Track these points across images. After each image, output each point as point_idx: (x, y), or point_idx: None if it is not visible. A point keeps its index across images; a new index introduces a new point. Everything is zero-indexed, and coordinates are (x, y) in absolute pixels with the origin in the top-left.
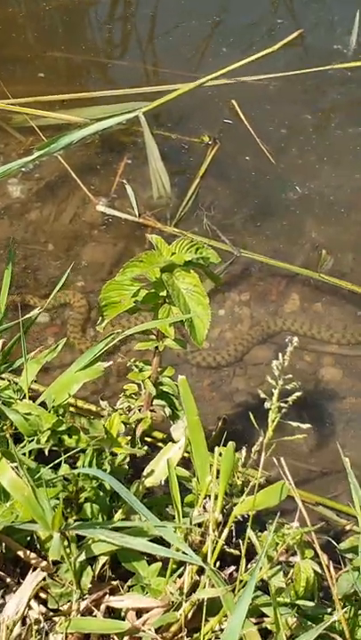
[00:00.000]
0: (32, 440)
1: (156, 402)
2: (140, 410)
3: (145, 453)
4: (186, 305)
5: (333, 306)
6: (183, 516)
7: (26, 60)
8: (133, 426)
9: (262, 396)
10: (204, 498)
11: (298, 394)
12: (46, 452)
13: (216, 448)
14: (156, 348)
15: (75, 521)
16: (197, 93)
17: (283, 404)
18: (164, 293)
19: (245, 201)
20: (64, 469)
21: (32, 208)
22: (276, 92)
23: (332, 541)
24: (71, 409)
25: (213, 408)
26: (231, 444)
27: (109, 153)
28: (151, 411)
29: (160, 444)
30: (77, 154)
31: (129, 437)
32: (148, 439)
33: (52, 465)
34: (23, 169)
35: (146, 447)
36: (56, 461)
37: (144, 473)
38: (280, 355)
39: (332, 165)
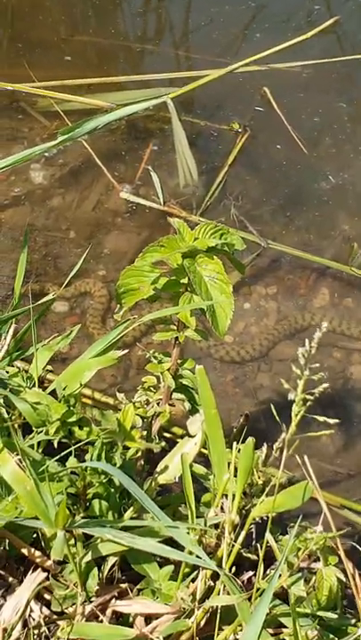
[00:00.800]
0: (41, 431)
1: (175, 395)
2: (158, 403)
3: (161, 449)
4: (208, 293)
5: None
6: (198, 517)
7: (52, 44)
8: (151, 420)
9: (286, 386)
10: (222, 497)
11: (325, 385)
12: (55, 445)
13: (235, 444)
14: (177, 338)
15: (82, 518)
16: (228, 80)
17: (308, 396)
18: (185, 281)
19: (275, 191)
20: (71, 462)
21: (54, 194)
22: (309, 79)
23: (359, 547)
24: (86, 400)
25: (236, 404)
26: (251, 439)
27: (135, 139)
28: (170, 405)
29: (179, 440)
30: (102, 139)
31: (145, 432)
32: (167, 435)
33: (58, 457)
34: (46, 154)
35: (163, 442)
36: (63, 453)
37: (157, 469)
38: (307, 341)
39: None
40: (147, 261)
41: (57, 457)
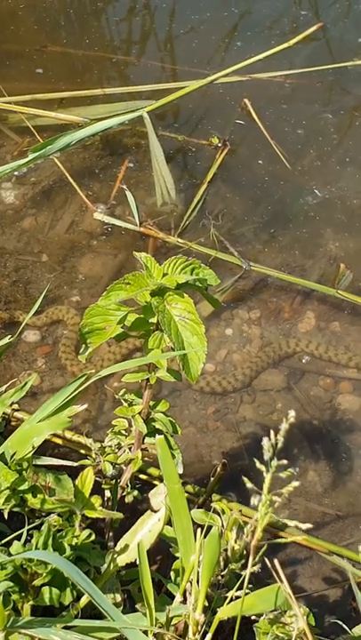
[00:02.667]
0: None
1: (148, 440)
2: (130, 448)
3: (133, 498)
4: (178, 335)
5: (353, 326)
6: (160, 608)
7: (24, 55)
8: (123, 467)
9: (249, 485)
10: (188, 581)
11: (295, 484)
12: (5, 515)
13: (198, 531)
14: (148, 380)
15: (31, 607)
16: (207, 92)
17: (276, 498)
18: (154, 320)
19: (257, 208)
20: (15, 548)
21: (26, 215)
22: (293, 89)
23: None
24: (56, 440)
25: (217, 439)
26: (215, 530)
27: (110, 155)
28: (143, 449)
29: (156, 482)
30: (76, 156)
31: (114, 481)
32: (143, 476)
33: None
34: (16, 172)
35: (136, 492)
36: (8, 538)
37: (118, 546)
38: (272, 433)
39: (356, 167)
40: (111, 300)
41: (3, 541)
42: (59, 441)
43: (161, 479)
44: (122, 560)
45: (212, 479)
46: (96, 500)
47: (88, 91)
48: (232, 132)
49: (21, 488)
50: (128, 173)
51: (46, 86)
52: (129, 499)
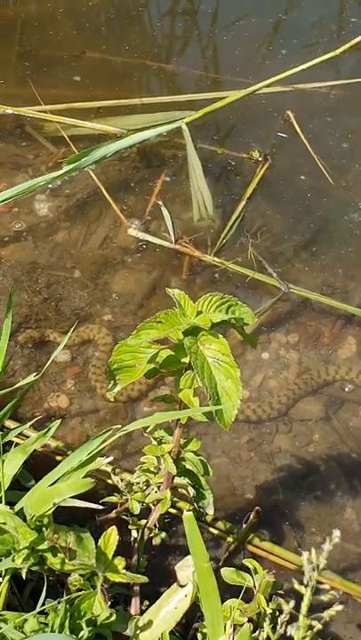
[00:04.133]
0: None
1: (177, 480)
2: (159, 487)
3: (162, 541)
4: (212, 378)
5: None
6: None
7: (62, 62)
8: (152, 505)
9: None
10: None
11: (338, 608)
12: (24, 575)
13: (228, 623)
14: (178, 419)
15: None
16: (249, 102)
17: (315, 623)
18: (186, 360)
19: (298, 226)
20: (31, 625)
21: (59, 228)
22: (338, 101)
23: None
24: None
25: (251, 471)
26: (246, 628)
27: (146, 168)
28: (173, 488)
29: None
30: (111, 168)
31: (143, 521)
32: (172, 510)
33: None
34: (50, 185)
35: (164, 534)
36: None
37: (140, 622)
38: (313, 552)
39: None
40: (142, 339)
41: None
42: None
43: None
44: (145, 637)
45: (244, 525)
46: (120, 563)
47: (126, 100)
48: (273, 145)
49: (41, 547)
50: (164, 187)
51: (84, 94)
52: (157, 541)
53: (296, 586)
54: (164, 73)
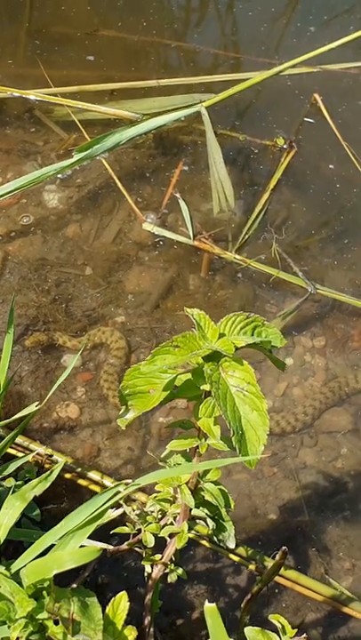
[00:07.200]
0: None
1: (195, 512)
2: (175, 518)
3: (180, 577)
4: (235, 410)
5: None
6: None
7: (75, 40)
8: (167, 538)
9: None
10: None
11: None
12: None
13: None
14: (197, 447)
15: None
16: (273, 84)
17: None
18: (206, 387)
19: (326, 219)
20: None
21: (70, 221)
22: None
23: None
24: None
25: (273, 488)
26: None
27: (163, 156)
28: (190, 520)
29: (204, 542)
30: (125, 156)
31: (158, 556)
32: (190, 534)
33: None
34: (60, 175)
35: (180, 570)
36: None
37: None
38: None
39: None
40: (157, 365)
41: None
42: (96, 488)
43: (211, 540)
44: None
45: (268, 567)
46: (130, 633)
47: (142, 82)
48: (299, 131)
49: (40, 617)
50: (182, 177)
51: (97, 75)
52: (173, 577)
53: None
54: (182, 52)
